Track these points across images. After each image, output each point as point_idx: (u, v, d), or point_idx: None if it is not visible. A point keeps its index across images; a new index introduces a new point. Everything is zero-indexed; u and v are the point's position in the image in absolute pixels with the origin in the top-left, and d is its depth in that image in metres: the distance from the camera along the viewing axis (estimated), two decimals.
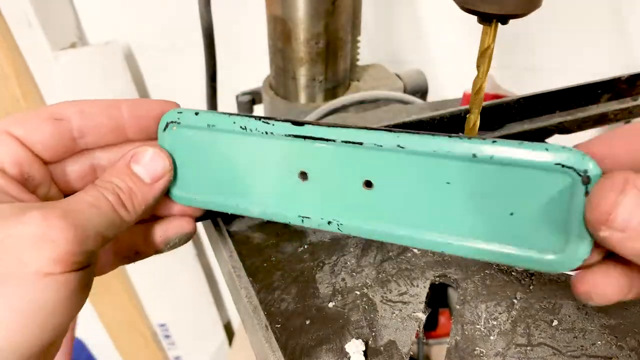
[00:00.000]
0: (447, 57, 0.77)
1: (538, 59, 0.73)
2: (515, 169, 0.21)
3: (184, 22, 0.74)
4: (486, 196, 0.22)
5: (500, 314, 0.30)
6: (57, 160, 0.26)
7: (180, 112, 0.28)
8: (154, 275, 1.10)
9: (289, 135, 0.25)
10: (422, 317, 0.30)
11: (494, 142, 0.21)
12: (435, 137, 0.23)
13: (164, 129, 0.28)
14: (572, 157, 0.20)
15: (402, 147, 0.23)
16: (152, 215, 0.29)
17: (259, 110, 0.63)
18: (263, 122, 0.26)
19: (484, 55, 0.31)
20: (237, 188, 0.28)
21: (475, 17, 0.29)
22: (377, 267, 0.33)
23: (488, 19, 0.29)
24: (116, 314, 1.14)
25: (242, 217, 0.38)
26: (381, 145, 0.24)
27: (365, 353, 0.28)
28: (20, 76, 0.79)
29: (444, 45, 0.76)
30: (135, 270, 1.09)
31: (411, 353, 0.29)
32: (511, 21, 0.29)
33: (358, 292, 0.32)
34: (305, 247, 0.35)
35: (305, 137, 0.25)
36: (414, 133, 0.23)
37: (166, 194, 0.28)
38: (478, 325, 0.30)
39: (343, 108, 0.52)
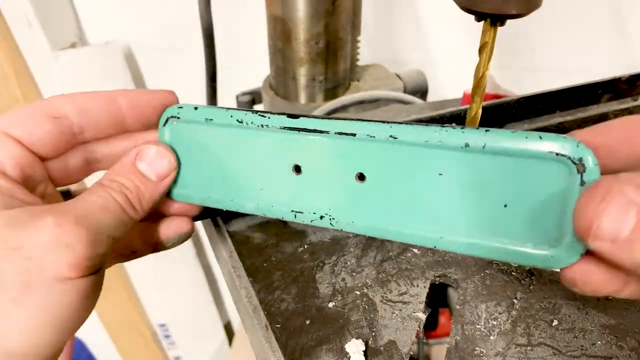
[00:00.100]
0: (447, 57, 0.77)
1: (538, 59, 0.73)
2: (508, 158, 0.21)
3: (184, 22, 0.74)
4: (479, 187, 0.22)
5: (500, 314, 0.30)
6: (55, 157, 0.26)
7: (181, 107, 0.28)
8: (154, 275, 1.10)
9: (284, 128, 0.26)
10: (422, 317, 0.30)
11: (486, 131, 0.21)
12: (428, 127, 0.23)
13: (164, 124, 0.28)
14: (567, 145, 0.20)
15: (395, 138, 0.23)
16: (150, 214, 0.29)
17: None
18: (259, 115, 0.26)
19: (484, 51, 0.30)
20: (233, 183, 0.28)
21: (474, 17, 0.29)
22: (377, 267, 0.33)
23: (488, 19, 0.29)
24: (116, 313, 1.14)
25: (242, 217, 0.38)
26: (374, 137, 0.24)
27: (365, 353, 0.28)
28: (20, 76, 0.79)
29: (444, 45, 0.76)
30: (135, 270, 1.09)
31: (411, 353, 0.29)
32: (511, 21, 0.29)
33: (358, 292, 0.32)
34: (305, 247, 0.35)
35: (299, 130, 0.25)
36: (406, 124, 0.23)
37: None
38: (478, 325, 0.30)
39: (343, 108, 0.52)
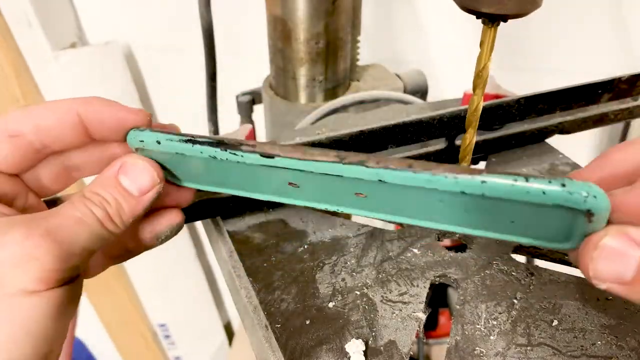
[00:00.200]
0: (447, 57, 0.77)
1: (538, 59, 0.73)
2: (510, 203, 0.21)
3: (184, 22, 0.74)
4: (482, 213, 0.22)
5: (500, 314, 0.30)
6: (25, 171, 0.26)
7: (142, 141, 0.26)
8: (154, 276, 1.10)
9: (262, 165, 0.25)
10: (422, 317, 0.30)
11: (483, 182, 0.21)
12: (417, 174, 0.22)
13: (135, 150, 0.27)
14: (573, 198, 0.19)
15: (384, 182, 0.23)
16: None
17: (259, 110, 0.63)
18: (231, 152, 0.25)
19: (481, 61, 0.30)
20: (229, 185, 0.28)
21: (474, 17, 0.29)
22: (377, 267, 0.33)
23: (488, 19, 0.29)
24: (116, 314, 1.14)
25: (242, 217, 0.38)
26: (362, 179, 0.23)
27: (365, 353, 0.28)
28: (20, 76, 0.80)
29: (444, 45, 0.76)
30: (135, 270, 1.09)
31: (411, 353, 0.29)
32: (511, 21, 0.29)
33: (358, 292, 0.32)
34: (305, 247, 0.35)
35: (279, 167, 0.24)
36: (393, 169, 0.22)
37: (168, 182, 0.28)
38: (478, 325, 0.30)
39: (343, 108, 0.52)
